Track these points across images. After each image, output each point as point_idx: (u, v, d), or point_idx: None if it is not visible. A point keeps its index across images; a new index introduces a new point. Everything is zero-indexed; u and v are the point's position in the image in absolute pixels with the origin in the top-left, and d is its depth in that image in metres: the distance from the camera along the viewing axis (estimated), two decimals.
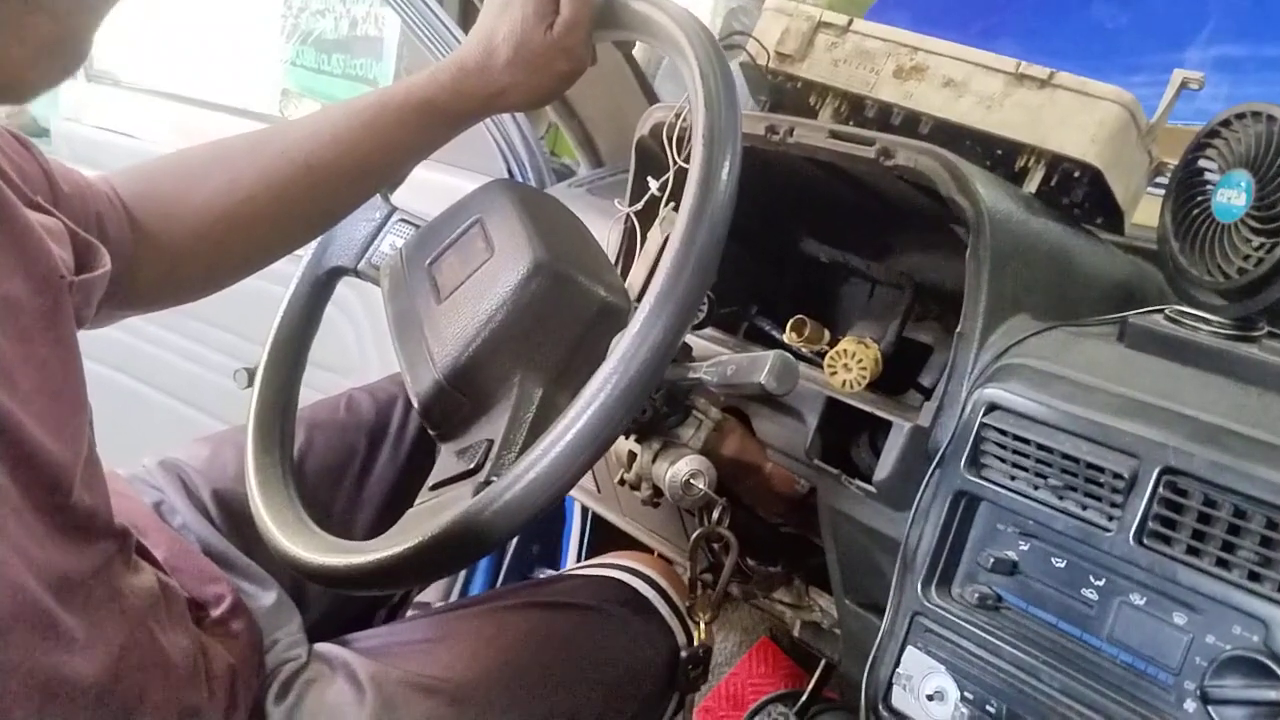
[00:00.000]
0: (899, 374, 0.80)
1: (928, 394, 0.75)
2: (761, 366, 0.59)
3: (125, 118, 1.55)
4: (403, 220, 0.78)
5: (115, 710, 0.48)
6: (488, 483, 0.55)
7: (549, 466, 0.50)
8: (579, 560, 1.24)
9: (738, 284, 0.90)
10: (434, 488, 0.60)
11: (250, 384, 1.44)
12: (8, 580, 0.39)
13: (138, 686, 0.50)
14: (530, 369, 0.62)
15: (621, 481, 0.76)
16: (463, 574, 1.32)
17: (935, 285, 0.84)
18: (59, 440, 0.45)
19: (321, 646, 0.73)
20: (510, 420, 0.60)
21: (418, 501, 0.60)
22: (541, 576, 1.34)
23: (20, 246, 0.46)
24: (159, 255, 0.68)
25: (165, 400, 1.60)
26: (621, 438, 0.73)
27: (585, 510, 1.24)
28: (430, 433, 0.64)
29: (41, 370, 0.46)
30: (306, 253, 0.80)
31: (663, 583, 0.82)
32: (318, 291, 0.79)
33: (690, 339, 0.87)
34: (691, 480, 0.69)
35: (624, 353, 0.51)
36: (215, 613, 0.69)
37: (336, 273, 0.79)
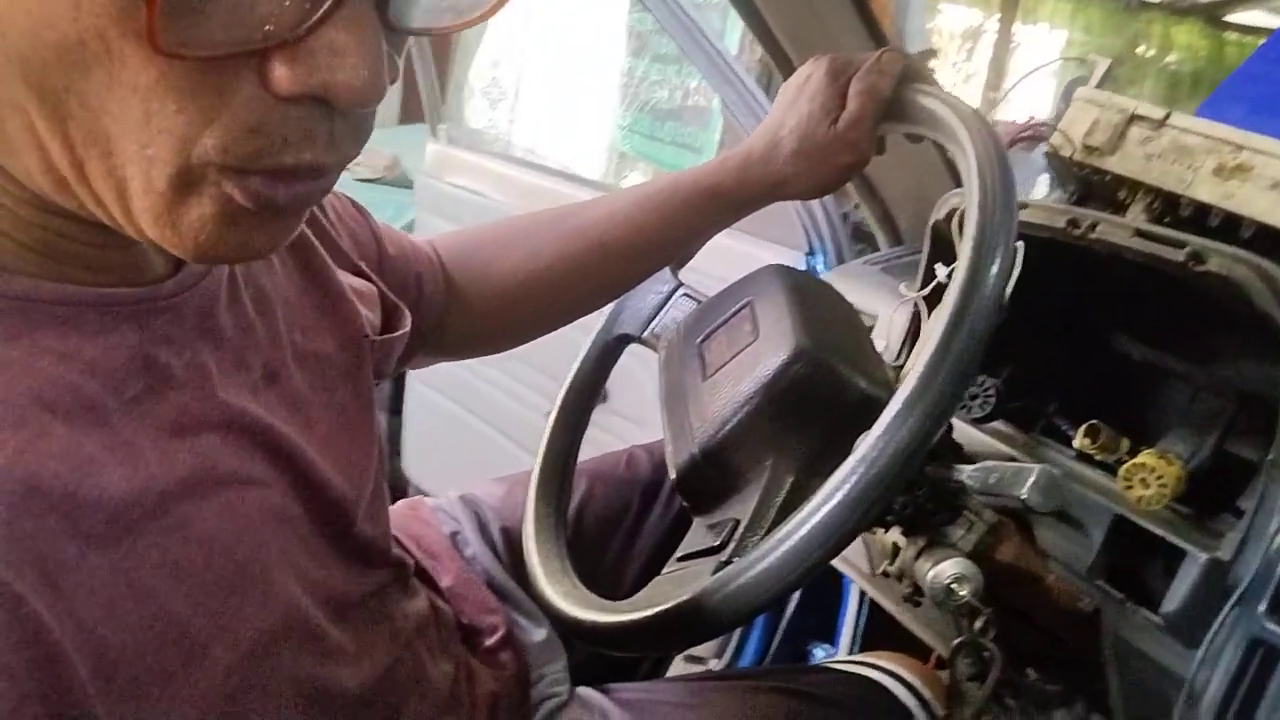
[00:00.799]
0: (1215, 492, 0.72)
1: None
2: (1024, 480, 0.56)
3: (473, 177, 1.74)
4: (686, 295, 0.82)
5: None
6: (728, 563, 0.56)
7: (779, 560, 0.51)
8: (853, 640, 1.21)
9: (1036, 377, 0.85)
10: (681, 559, 0.62)
11: None
12: (284, 597, 0.45)
13: (397, 701, 0.57)
14: (783, 454, 0.63)
15: (885, 574, 0.74)
16: (738, 633, 1.34)
17: (1266, 397, 0.74)
18: (347, 477, 0.52)
19: (584, 691, 0.77)
20: (759, 503, 0.61)
21: (665, 570, 0.62)
22: (813, 653, 1.33)
23: (333, 309, 0.55)
24: (467, 312, 0.77)
25: (487, 430, 1.77)
26: (886, 529, 0.72)
27: (863, 591, 1.21)
28: (684, 505, 0.67)
29: (340, 415, 0.53)
30: (602, 318, 0.86)
31: (926, 693, 0.79)
32: (606, 355, 0.84)
33: (971, 432, 0.83)
34: (954, 585, 0.66)
35: (864, 454, 0.50)
36: (488, 642, 0.76)
37: (624, 339, 0.84)
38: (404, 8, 0.35)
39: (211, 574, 0.41)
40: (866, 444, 0.51)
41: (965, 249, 0.53)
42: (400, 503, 0.88)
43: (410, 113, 3.19)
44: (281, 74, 0.33)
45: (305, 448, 0.49)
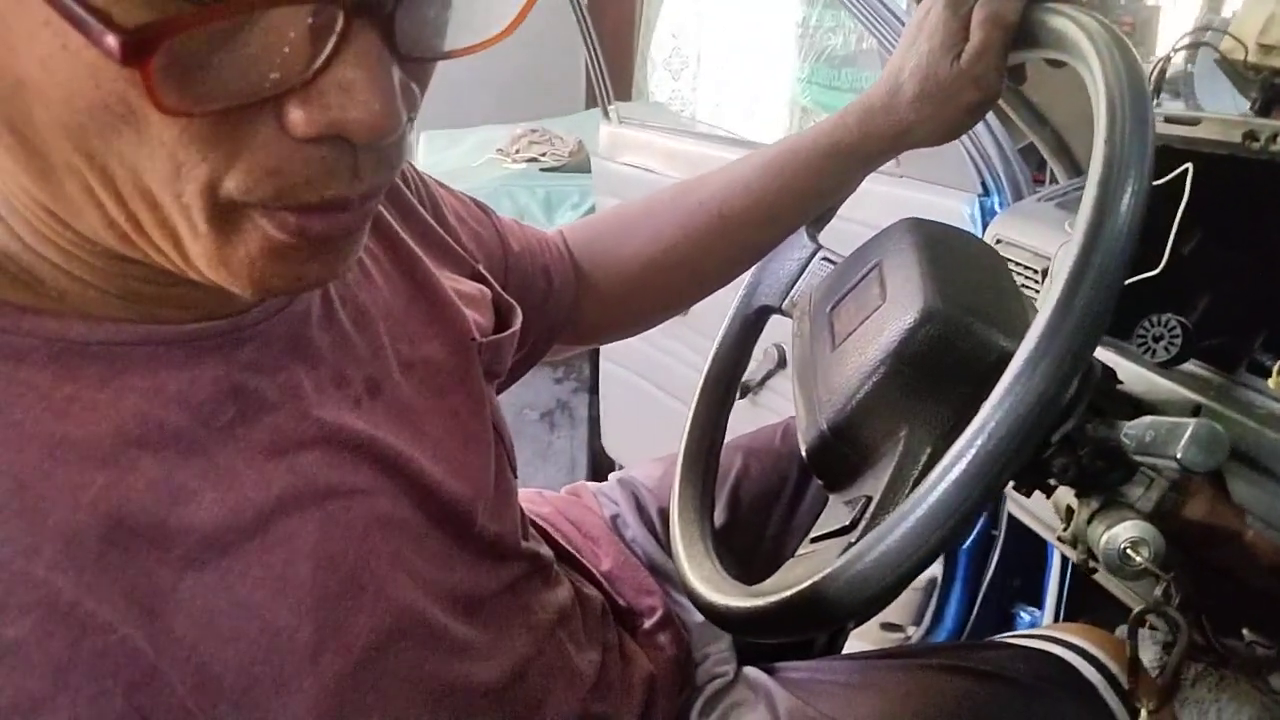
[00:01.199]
0: None
1: None
2: (1179, 436, 0.49)
3: (646, 155, 1.74)
4: (825, 259, 0.78)
5: (514, 713, 0.55)
6: (855, 544, 0.53)
7: (898, 543, 0.47)
8: (1058, 603, 1.13)
9: (1237, 307, 0.75)
10: (814, 539, 0.59)
11: (742, 396, 1.53)
12: (398, 600, 0.46)
13: (540, 692, 0.58)
14: (918, 423, 0.58)
15: (1059, 539, 0.68)
16: (936, 598, 1.28)
17: None
18: (463, 479, 0.53)
19: (750, 670, 0.76)
20: (891, 478, 0.57)
21: (799, 551, 0.60)
22: (1018, 617, 1.25)
23: (440, 315, 0.56)
24: (598, 298, 0.77)
25: (677, 405, 1.78)
26: (1063, 488, 0.66)
27: None
28: (818, 482, 0.64)
29: (452, 419, 0.54)
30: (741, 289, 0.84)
31: (1112, 666, 0.72)
32: (747, 329, 0.82)
33: (1157, 380, 0.75)
34: (1129, 550, 0.60)
35: (981, 422, 0.46)
36: (646, 624, 0.76)
37: (765, 311, 0.81)
38: (413, 36, 0.35)
39: (317, 584, 0.42)
40: (984, 410, 0.46)
41: (1091, 184, 0.47)
42: (563, 488, 0.90)
43: (596, 96, 3.25)
44: (296, 117, 0.33)
45: (414, 454, 0.50)
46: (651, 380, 1.84)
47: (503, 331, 0.60)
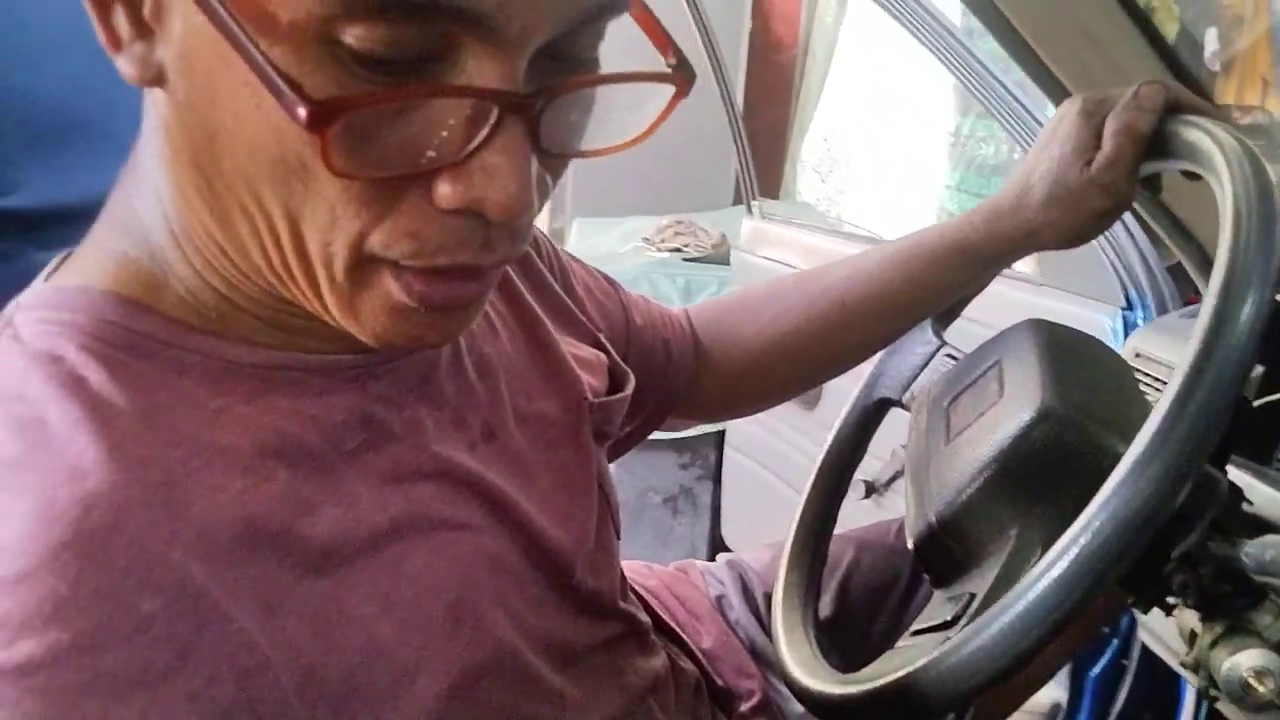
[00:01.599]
0: None
1: None
2: None
3: (784, 250, 1.77)
4: (948, 355, 0.78)
5: None
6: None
7: (990, 641, 0.47)
8: None
9: None
10: (914, 633, 0.59)
11: (866, 495, 1.52)
12: (495, 636, 0.48)
13: None
14: (1029, 524, 0.58)
15: (1182, 664, 0.65)
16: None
17: None
18: (566, 530, 0.55)
19: None
20: (997, 577, 0.56)
21: (899, 643, 0.59)
22: None
23: (556, 374, 0.59)
24: (717, 376, 0.79)
25: (794, 496, 1.76)
26: (1189, 612, 0.63)
27: None
28: (925, 576, 0.63)
29: (561, 472, 0.57)
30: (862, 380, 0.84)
31: None
32: (866, 419, 0.82)
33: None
34: (1252, 680, 0.57)
35: (1085, 522, 0.45)
36: (743, 707, 0.76)
37: (885, 403, 0.82)
38: (555, 135, 0.39)
39: (420, 608, 0.45)
40: (1090, 509, 0.46)
41: (1211, 292, 0.47)
42: (672, 564, 0.91)
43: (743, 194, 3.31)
44: (444, 191, 0.38)
45: (521, 500, 0.52)
46: (773, 470, 1.83)
47: (613, 395, 0.63)
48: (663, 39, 0.42)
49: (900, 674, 0.51)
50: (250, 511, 0.41)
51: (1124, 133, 0.61)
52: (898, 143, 2.77)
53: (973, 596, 0.57)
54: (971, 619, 0.55)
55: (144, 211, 0.44)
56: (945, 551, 0.61)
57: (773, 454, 1.82)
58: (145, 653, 0.35)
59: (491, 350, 0.56)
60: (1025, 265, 1.36)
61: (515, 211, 0.38)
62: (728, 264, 2.41)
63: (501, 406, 0.55)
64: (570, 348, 0.62)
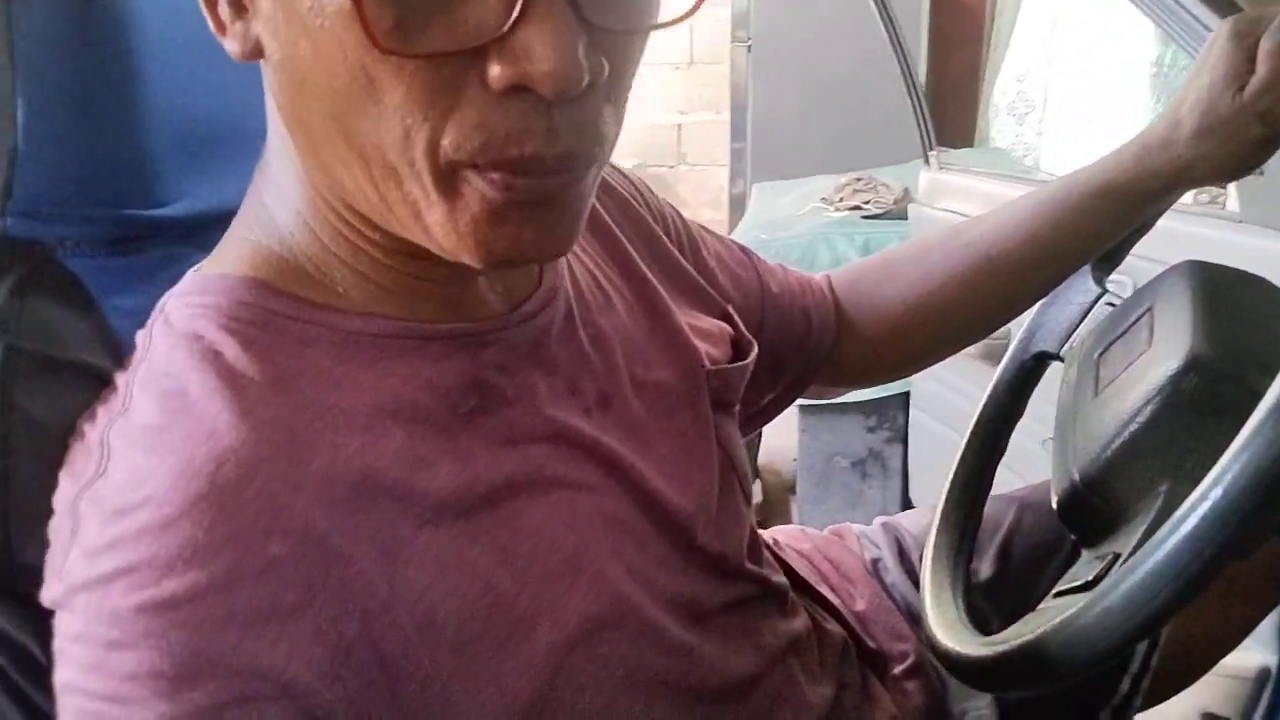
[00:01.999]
0: None
1: None
2: None
3: (964, 200, 1.70)
4: (1108, 304, 0.73)
5: None
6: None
7: (1122, 598, 0.45)
8: None
9: None
10: (1057, 594, 0.56)
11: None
12: (614, 589, 0.50)
13: (763, 713, 0.60)
14: (1180, 479, 0.54)
15: None
16: (1269, 690, 1.12)
17: None
18: (684, 494, 0.56)
19: None
20: (1143, 535, 0.53)
21: (1040, 606, 0.57)
22: None
23: (673, 344, 0.61)
24: (859, 340, 0.78)
25: None
26: None
27: None
28: (1071, 536, 0.60)
29: (679, 439, 0.58)
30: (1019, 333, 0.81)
31: None
32: (1024, 376, 0.79)
33: None
34: None
35: (1219, 471, 0.42)
36: (896, 669, 0.76)
37: (1043, 357, 0.78)
38: (593, 8, 0.40)
39: (539, 560, 0.48)
40: (1222, 460, 0.43)
41: None
42: (826, 528, 0.91)
43: (939, 142, 3.15)
44: (495, 71, 0.39)
45: (637, 463, 0.54)
46: (958, 430, 1.76)
47: (734, 363, 0.64)
48: None
49: (1032, 636, 0.50)
50: (369, 465, 0.44)
51: (1278, 53, 0.56)
52: (1096, 78, 2.57)
53: (1116, 556, 0.54)
54: (1112, 580, 0.52)
55: (271, 203, 0.49)
56: (1090, 509, 0.58)
57: (958, 414, 1.76)
58: (273, 591, 0.40)
59: (606, 322, 0.58)
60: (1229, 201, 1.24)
61: (564, 80, 0.38)
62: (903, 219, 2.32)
63: (617, 374, 0.57)
64: (689, 319, 0.63)
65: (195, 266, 0.51)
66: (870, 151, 2.92)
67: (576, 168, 0.44)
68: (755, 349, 0.66)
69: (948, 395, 1.78)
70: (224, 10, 0.45)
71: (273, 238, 0.49)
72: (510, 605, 0.46)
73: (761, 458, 2.59)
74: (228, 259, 0.50)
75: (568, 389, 0.54)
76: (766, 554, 0.68)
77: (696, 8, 0.42)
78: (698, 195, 4.37)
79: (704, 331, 0.63)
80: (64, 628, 0.41)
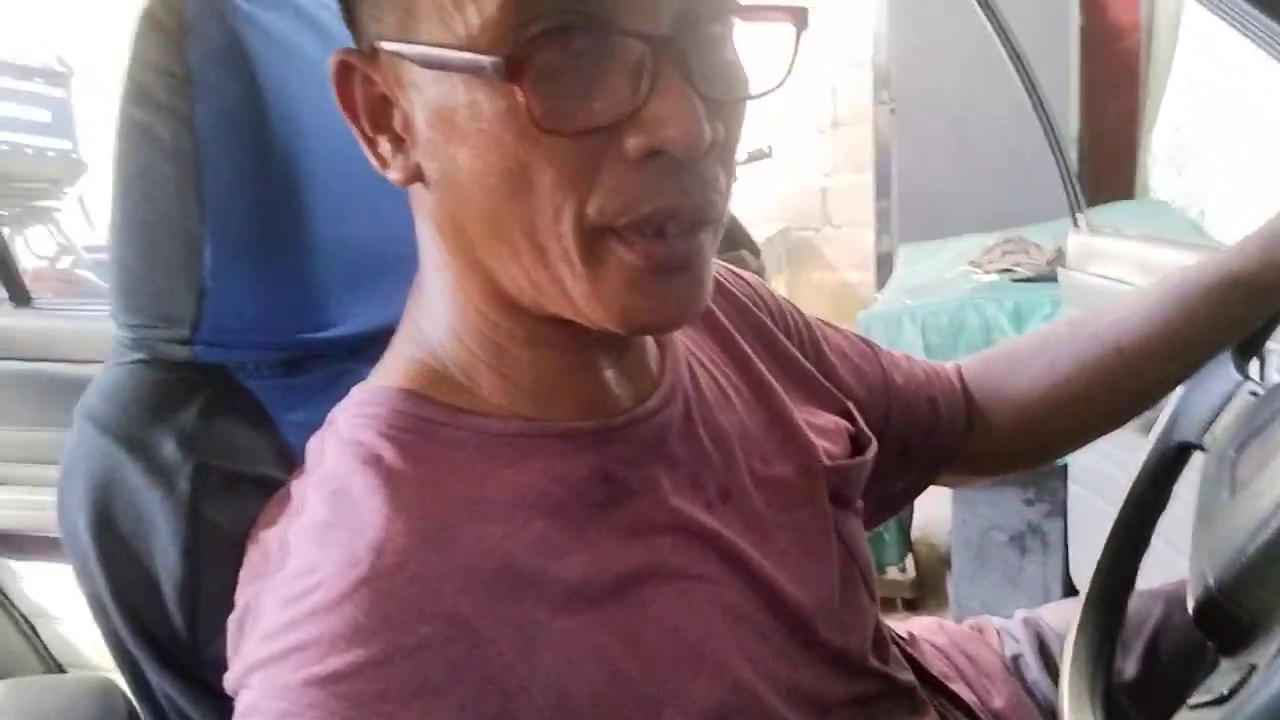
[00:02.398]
0: None
1: None
2: None
3: (1115, 264, 1.64)
4: (1252, 393, 0.70)
5: None
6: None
7: (1269, 704, 0.44)
8: None
9: None
10: (1192, 706, 0.55)
11: None
12: (735, 679, 0.52)
13: None
14: None
15: None
16: None
17: None
18: (804, 590, 0.58)
19: None
20: None
21: (1175, 716, 0.55)
22: None
23: (792, 441, 0.63)
24: (991, 431, 0.78)
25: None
26: None
27: None
28: (1209, 644, 0.58)
29: (799, 534, 0.60)
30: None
31: None
32: (1166, 465, 0.76)
33: None
34: None
35: None
36: None
37: (1185, 448, 0.75)
38: (704, 83, 0.45)
39: (664, 647, 0.50)
40: None
41: None
42: (965, 622, 0.89)
43: (1096, 196, 3.03)
44: (632, 141, 0.45)
45: (757, 556, 0.56)
46: (1118, 505, 1.68)
47: (853, 459, 0.65)
48: None
49: None
50: (509, 553, 0.48)
51: None
52: (1264, 121, 2.42)
53: (1253, 669, 0.52)
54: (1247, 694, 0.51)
55: (424, 322, 0.55)
56: (1228, 617, 0.56)
57: (1117, 487, 1.66)
58: (424, 669, 0.44)
59: (725, 420, 0.61)
60: None
61: (694, 142, 0.44)
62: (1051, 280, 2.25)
63: (737, 469, 0.59)
64: (806, 415, 0.65)
65: (360, 383, 0.57)
66: (1021, 207, 2.84)
67: (705, 224, 0.49)
68: (874, 445, 0.67)
69: (1106, 467, 1.70)
70: (384, 148, 0.51)
71: (425, 351, 0.55)
72: (637, 691, 0.49)
73: (915, 530, 2.53)
74: (387, 373, 0.56)
75: (690, 483, 0.57)
76: (894, 650, 0.68)
77: (784, 80, 0.48)
78: (844, 257, 4.36)
79: (821, 428, 0.65)
80: (240, 705, 0.46)
